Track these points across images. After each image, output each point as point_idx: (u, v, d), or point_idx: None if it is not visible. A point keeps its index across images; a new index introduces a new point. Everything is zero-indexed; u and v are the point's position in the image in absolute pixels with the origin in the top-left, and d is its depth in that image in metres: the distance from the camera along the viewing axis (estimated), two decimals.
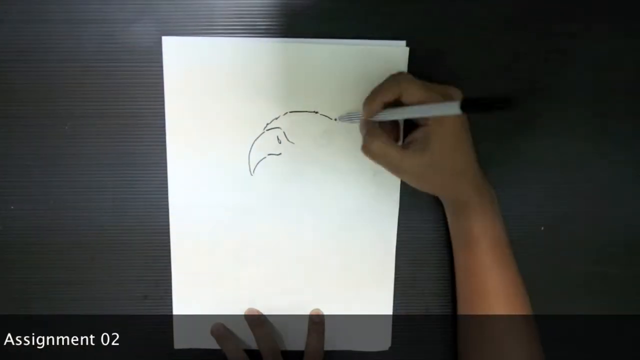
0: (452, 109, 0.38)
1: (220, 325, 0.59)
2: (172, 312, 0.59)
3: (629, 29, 0.56)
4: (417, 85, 0.48)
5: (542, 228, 0.59)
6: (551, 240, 0.59)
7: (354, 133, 0.55)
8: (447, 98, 0.48)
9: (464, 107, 0.37)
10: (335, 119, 0.55)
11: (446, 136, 0.48)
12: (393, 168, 0.50)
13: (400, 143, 0.53)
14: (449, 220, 0.55)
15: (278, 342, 0.60)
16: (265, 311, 0.59)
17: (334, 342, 0.60)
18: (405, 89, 0.48)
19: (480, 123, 0.56)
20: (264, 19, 0.54)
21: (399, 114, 0.49)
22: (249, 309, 0.59)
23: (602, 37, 0.55)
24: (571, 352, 0.62)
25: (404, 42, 0.54)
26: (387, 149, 0.49)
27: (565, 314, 0.61)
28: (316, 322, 0.59)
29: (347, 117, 0.55)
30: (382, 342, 0.60)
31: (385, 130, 0.51)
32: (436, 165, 0.49)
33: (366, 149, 0.50)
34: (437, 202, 0.58)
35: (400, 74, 0.50)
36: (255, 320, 0.58)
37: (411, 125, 0.52)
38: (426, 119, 0.49)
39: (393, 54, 0.54)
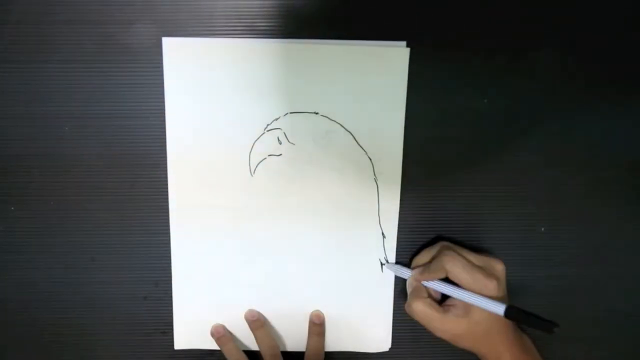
0: (497, 309, 0.48)
1: (220, 327, 0.59)
2: (172, 312, 0.59)
3: None
4: (460, 266, 0.51)
5: (543, 229, 0.59)
6: (552, 241, 0.59)
7: (354, 135, 0.56)
8: (489, 274, 0.51)
9: (507, 314, 0.47)
10: (383, 264, 0.58)
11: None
12: (432, 328, 0.53)
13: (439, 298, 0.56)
14: None
15: (278, 342, 0.60)
16: (265, 311, 0.59)
17: (334, 342, 0.60)
18: (450, 272, 0.52)
19: (484, 124, 0.56)
20: (264, 20, 0.54)
21: (447, 291, 0.53)
22: (249, 311, 0.59)
23: None
24: (572, 352, 0.62)
25: (404, 43, 0.54)
26: (429, 311, 0.52)
27: (566, 314, 0.61)
28: (316, 324, 0.59)
29: (396, 269, 0.57)
30: (383, 343, 0.60)
31: (429, 290, 0.55)
32: (473, 329, 0.52)
33: (409, 308, 0.54)
34: (437, 202, 0.58)
35: (444, 251, 0.53)
36: (256, 322, 0.58)
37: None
38: None
39: (393, 54, 0.54)
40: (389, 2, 0.54)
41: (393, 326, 0.60)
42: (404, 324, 0.60)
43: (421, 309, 0.52)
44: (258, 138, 0.55)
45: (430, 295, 0.54)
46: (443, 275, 0.52)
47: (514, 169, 0.58)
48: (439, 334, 0.53)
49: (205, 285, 0.58)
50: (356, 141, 0.56)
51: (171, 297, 0.58)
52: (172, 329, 0.59)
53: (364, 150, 0.56)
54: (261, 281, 0.58)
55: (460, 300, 0.52)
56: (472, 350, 0.54)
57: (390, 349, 0.61)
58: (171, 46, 0.53)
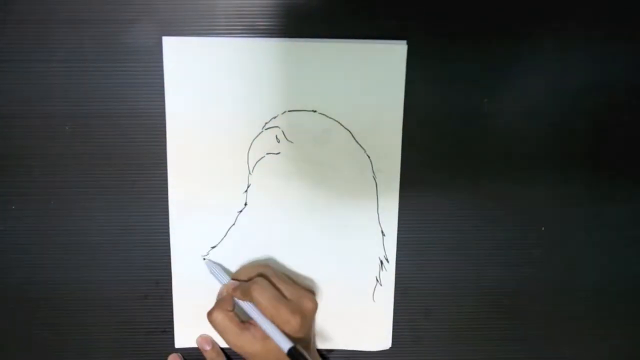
0: (283, 345, 0.50)
1: (206, 337, 0.60)
2: (172, 311, 0.59)
3: None
4: (267, 298, 0.51)
5: (543, 228, 0.59)
6: (552, 240, 0.59)
7: (353, 133, 0.56)
8: (295, 310, 0.51)
9: (289, 353, 0.49)
10: (204, 259, 0.58)
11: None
12: (227, 340, 0.53)
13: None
14: None
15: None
16: None
17: (334, 341, 0.60)
18: (256, 301, 0.52)
19: (483, 123, 0.56)
20: (265, 19, 0.54)
21: (250, 313, 0.52)
22: (202, 337, 0.60)
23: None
24: (572, 352, 0.62)
25: (403, 42, 0.54)
26: (228, 324, 0.52)
27: (566, 314, 0.61)
28: (206, 350, 0.59)
29: (213, 269, 0.57)
30: (383, 341, 0.60)
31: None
32: (266, 356, 0.52)
33: (210, 317, 0.53)
34: (437, 202, 0.58)
35: (257, 279, 0.53)
36: (209, 352, 0.59)
37: None
38: None
39: (391, 51, 0.54)
40: (389, 2, 0.54)
41: (394, 324, 0.60)
42: (405, 322, 0.60)
43: (221, 320, 0.52)
44: (256, 136, 0.55)
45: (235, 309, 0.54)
46: (251, 300, 0.52)
47: (514, 168, 0.58)
48: (232, 347, 0.53)
49: (205, 284, 0.58)
50: (354, 139, 0.56)
51: (171, 296, 0.58)
52: (172, 328, 0.59)
53: (363, 148, 0.56)
54: None
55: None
56: None
57: (390, 347, 0.61)
58: (171, 45, 0.54)
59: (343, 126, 0.55)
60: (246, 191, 0.56)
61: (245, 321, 0.53)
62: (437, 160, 0.57)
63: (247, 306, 0.53)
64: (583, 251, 0.60)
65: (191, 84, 0.54)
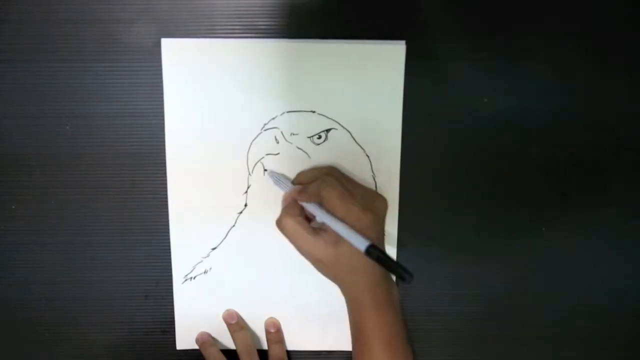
0: (359, 244, 0.45)
1: (204, 333, 0.60)
2: (172, 311, 0.59)
3: None
4: (336, 195, 0.49)
5: (543, 229, 0.59)
6: (552, 241, 0.59)
7: (352, 133, 0.56)
8: (366, 207, 0.49)
9: (368, 252, 0.45)
10: (265, 171, 0.56)
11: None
12: (298, 247, 0.51)
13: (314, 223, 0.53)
14: (347, 308, 0.54)
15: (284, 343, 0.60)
16: (266, 310, 0.60)
17: (335, 342, 0.60)
18: (325, 199, 0.49)
19: (483, 123, 0.56)
20: (264, 20, 0.54)
21: (319, 215, 0.50)
22: (228, 312, 0.59)
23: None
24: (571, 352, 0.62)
25: (402, 42, 0.54)
26: (299, 229, 0.50)
27: (566, 314, 0.61)
28: (272, 332, 0.59)
29: (277, 179, 0.55)
30: None
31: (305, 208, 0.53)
32: (339, 261, 0.50)
33: (280, 224, 0.51)
34: (437, 202, 0.58)
35: (325, 177, 0.51)
36: (234, 325, 0.59)
37: None
38: None
39: (390, 51, 0.54)
40: (388, 1, 0.54)
41: None
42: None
43: (291, 226, 0.50)
44: (255, 137, 0.55)
45: (304, 215, 0.53)
46: (318, 200, 0.50)
47: (514, 168, 0.57)
48: (303, 254, 0.52)
49: (205, 284, 0.58)
50: (354, 139, 0.56)
51: (172, 296, 0.59)
52: (172, 328, 0.59)
53: (362, 148, 0.56)
54: (261, 279, 0.58)
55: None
56: (333, 281, 0.53)
57: None
58: (170, 47, 0.54)
59: (342, 126, 0.55)
60: (246, 192, 0.56)
61: (314, 228, 0.51)
62: (436, 160, 0.57)
63: (314, 209, 0.51)
64: (583, 252, 0.60)
65: (190, 85, 0.54)
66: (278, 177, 0.55)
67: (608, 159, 0.58)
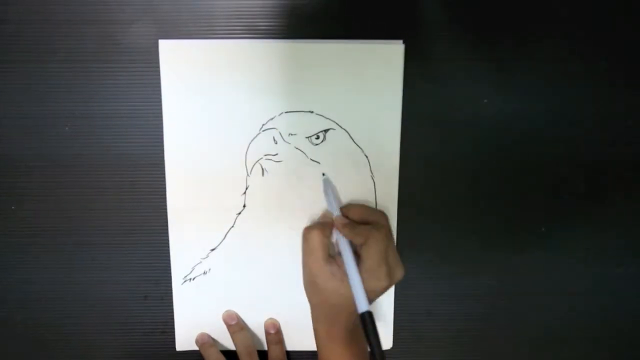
0: (359, 304, 0.47)
1: (204, 334, 0.60)
2: (172, 312, 0.59)
3: None
4: (377, 251, 0.50)
5: (543, 229, 0.59)
6: (552, 241, 0.59)
7: (350, 133, 0.56)
8: (389, 274, 0.50)
9: (362, 316, 0.47)
10: (323, 174, 0.56)
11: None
12: (305, 262, 0.53)
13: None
14: (315, 335, 0.55)
15: (283, 343, 0.60)
16: (265, 311, 0.59)
17: None
18: (366, 248, 0.50)
19: (482, 124, 0.56)
20: (264, 20, 0.54)
21: (344, 255, 0.51)
22: (227, 312, 0.59)
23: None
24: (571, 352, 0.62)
25: (400, 41, 0.54)
26: (318, 248, 0.52)
27: (566, 314, 0.61)
28: (272, 333, 0.59)
29: (327, 191, 0.55)
30: (384, 341, 0.60)
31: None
32: (332, 295, 0.51)
33: (306, 232, 0.53)
34: (436, 202, 0.58)
35: (379, 228, 0.51)
36: (234, 326, 0.59)
37: None
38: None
39: (388, 51, 0.54)
40: (387, 1, 0.53)
41: (394, 325, 0.60)
42: (406, 323, 0.60)
43: (315, 241, 0.52)
44: (254, 138, 0.55)
45: (330, 238, 0.54)
46: (359, 243, 0.51)
47: (514, 169, 0.57)
48: (305, 270, 0.53)
49: (205, 285, 0.58)
50: (352, 139, 0.55)
51: (171, 296, 0.58)
52: (171, 329, 0.59)
53: (360, 148, 0.56)
54: (260, 280, 0.58)
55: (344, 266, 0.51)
56: (313, 308, 0.54)
57: (391, 347, 0.61)
58: (168, 48, 0.54)
59: (340, 126, 0.55)
60: (244, 193, 0.56)
61: (331, 255, 0.53)
62: (436, 161, 0.57)
63: (345, 246, 0.51)
64: (583, 252, 0.60)
65: (188, 86, 0.54)
66: (330, 191, 0.55)
67: (608, 159, 0.57)
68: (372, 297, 0.50)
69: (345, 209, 0.54)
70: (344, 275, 0.50)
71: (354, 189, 0.57)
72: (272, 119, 0.55)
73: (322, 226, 0.53)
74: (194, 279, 0.58)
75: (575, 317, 0.61)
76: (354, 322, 0.51)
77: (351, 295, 0.49)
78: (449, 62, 0.55)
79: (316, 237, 0.52)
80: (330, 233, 0.53)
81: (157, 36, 0.53)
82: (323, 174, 0.56)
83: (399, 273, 0.52)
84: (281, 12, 0.54)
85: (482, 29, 0.55)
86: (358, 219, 0.53)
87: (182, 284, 0.58)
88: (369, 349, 0.47)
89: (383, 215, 0.54)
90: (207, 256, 0.58)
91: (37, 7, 0.53)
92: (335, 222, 0.53)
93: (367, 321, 0.47)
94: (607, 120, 0.57)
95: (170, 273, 0.58)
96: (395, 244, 0.55)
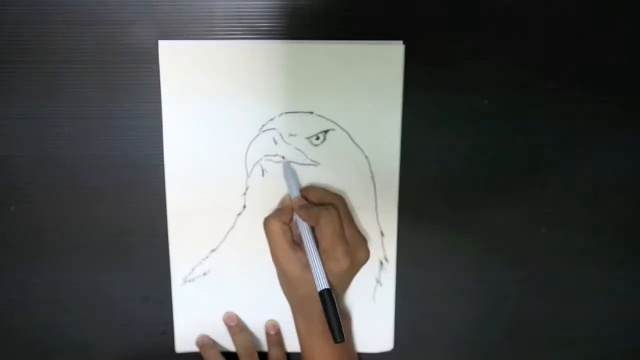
0: (318, 283, 0.49)
1: (204, 336, 0.59)
2: (171, 313, 0.59)
3: None
4: (330, 230, 0.50)
5: (543, 230, 0.59)
6: (552, 242, 0.59)
7: (350, 134, 0.55)
8: (348, 254, 0.51)
9: (321, 293, 0.48)
10: (283, 157, 0.56)
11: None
12: (271, 251, 0.53)
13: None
14: (295, 325, 0.56)
15: (283, 344, 0.60)
16: (265, 312, 0.59)
17: None
18: (319, 227, 0.51)
19: (483, 124, 0.56)
20: (264, 21, 0.54)
21: (303, 237, 0.52)
22: (228, 314, 0.59)
23: None
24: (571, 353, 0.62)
25: (400, 42, 0.54)
26: (279, 236, 0.52)
27: (566, 314, 0.61)
28: (272, 334, 0.59)
29: (287, 175, 0.55)
30: (385, 342, 0.60)
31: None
32: (299, 283, 0.52)
33: (266, 222, 0.53)
34: (437, 202, 0.58)
35: (329, 208, 0.52)
36: (234, 327, 0.59)
37: None
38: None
39: (388, 51, 0.54)
40: (388, 2, 0.53)
41: (395, 326, 0.60)
42: (406, 324, 0.60)
43: (275, 230, 0.52)
44: (254, 139, 0.55)
45: (293, 223, 0.54)
46: (313, 224, 0.51)
47: (514, 169, 0.57)
48: (274, 260, 0.53)
49: (205, 287, 0.58)
50: (352, 140, 0.55)
51: (170, 297, 0.58)
52: (171, 330, 0.59)
53: (360, 149, 0.56)
54: (260, 281, 0.58)
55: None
56: (287, 298, 0.54)
57: (392, 348, 0.60)
58: (167, 49, 0.54)
59: (340, 127, 0.55)
60: (244, 194, 0.56)
61: (296, 242, 0.53)
62: (436, 162, 0.57)
63: (304, 228, 0.52)
64: (583, 252, 0.59)
65: (188, 87, 0.54)
66: (290, 174, 0.55)
67: (608, 159, 0.57)
68: (335, 280, 0.51)
69: (305, 191, 0.55)
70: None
71: (354, 189, 0.57)
72: (272, 119, 0.55)
73: (280, 212, 0.53)
74: (194, 280, 0.58)
75: (576, 317, 0.61)
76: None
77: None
78: (449, 62, 0.55)
79: (276, 224, 0.52)
80: (291, 218, 0.53)
81: (157, 37, 0.53)
82: (282, 157, 0.56)
83: (362, 254, 0.52)
84: (281, 13, 0.54)
85: (482, 29, 0.54)
86: (316, 201, 0.54)
87: (182, 285, 0.58)
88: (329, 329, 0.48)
89: (338, 198, 0.54)
90: (207, 257, 0.58)
91: (37, 7, 0.53)
92: (293, 204, 0.53)
93: (326, 298, 0.48)
94: (607, 120, 0.57)
95: (169, 274, 0.58)
96: (356, 225, 0.55)
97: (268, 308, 0.59)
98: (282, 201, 0.56)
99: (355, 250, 0.52)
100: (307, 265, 0.51)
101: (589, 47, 0.55)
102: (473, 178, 0.57)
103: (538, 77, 0.55)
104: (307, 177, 0.56)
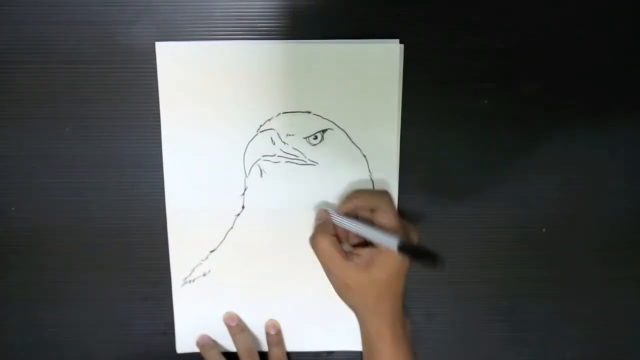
0: (390, 243, 0.47)
1: (205, 336, 0.60)
2: (172, 313, 0.59)
3: None
4: (391, 211, 0.51)
5: (544, 230, 0.58)
6: (552, 242, 0.59)
7: (348, 133, 0.55)
8: (407, 236, 0.51)
9: (400, 248, 0.46)
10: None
11: (387, 269, 0.49)
12: (328, 269, 0.52)
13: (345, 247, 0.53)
14: (361, 336, 0.54)
15: (282, 344, 0.60)
16: (265, 312, 0.59)
17: (336, 342, 0.60)
18: (380, 208, 0.51)
19: (482, 124, 0.56)
20: (263, 21, 0.54)
21: (353, 227, 0.51)
22: (228, 314, 0.59)
23: None
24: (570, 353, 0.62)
25: (397, 41, 0.54)
26: (332, 251, 0.50)
27: (566, 314, 0.61)
28: (272, 334, 0.59)
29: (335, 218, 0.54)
30: None
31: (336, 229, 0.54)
32: (366, 286, 0.50)
33: (313, 242, 0.52)
34: (436, 201, 0.58)
35: (384, 192, 0.54)
36: (235, 327, 0.59)
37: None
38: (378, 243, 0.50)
39: (386, 51, 0.54)
40: (386, 1, 0.53)
41: None
42: None
43: (325, 246, 0.51)
44: (252, 139, 0.55)
45: (335, 235, 0.53)
46: (371, 207, 0.51)
47: (514, 169, 0.57)
48: (331, 276, 0.52)
49: (205, 287, 0.58)
50: (350, 139, 0.55)
51: (171, 298, 0.58)
52: (172, 330, 0.59)
53: (358, 148, 0.56)
54: (260, 281, 0.58)
55: (365, 254, 0.50)
56: (353, 309, 0.53)
57: None
58: (165, 50, 0.54)
59: (338, 126, 0.55)
60: (243, 194, 0.56)
61: (347, 251, 0.52)
62: (435, 161, 0.57)
63: (349, 224, 0.51)
64: (583, 252, 0.59)
65: (185, 87, 0.54)
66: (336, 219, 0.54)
67: (608, 160, 0.57)
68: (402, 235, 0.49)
69: (349, 198, 0.54)
70: (369, 259, 0.50)
71: (352, 189, 0.56)
72: (269, 119, 0.55)
73: (322, 228, 0.53)
74: (193, 280, 0.58)
75: (576, 317, 0.61)
76: (400, 302, 0.51)
77: (384, 276, 0.49)
78: (447, 61, 0.55)
79: (324, 240, 0.51)
80: (333, 229, 0.53)
81: (157, 37, 0.54)
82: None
83: (414, 236, 0.53)
84: (279, 13, 0.54)
85: (480, 29, 0.54)
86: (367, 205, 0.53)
87: (182, 285, 0.58)
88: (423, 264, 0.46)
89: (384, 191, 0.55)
90: (207, 258, 0.58)
91: (37, 8, 0.53)
92: (339, 210, 0.54)
93: (406, 246, 0.47)
94: (607, 121, 0.57)
95: (169, 275, 0.58)
96: None
97: (268, 308, 0.59)
98: (319, 217, 0.55)
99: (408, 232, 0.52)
100: (369, 265, 0.49)
101: (589, 47, 0.55)
102: (472, 178, 0.57)
103: (538, 77, 0.55)
104: (306, 177, 0.56)
